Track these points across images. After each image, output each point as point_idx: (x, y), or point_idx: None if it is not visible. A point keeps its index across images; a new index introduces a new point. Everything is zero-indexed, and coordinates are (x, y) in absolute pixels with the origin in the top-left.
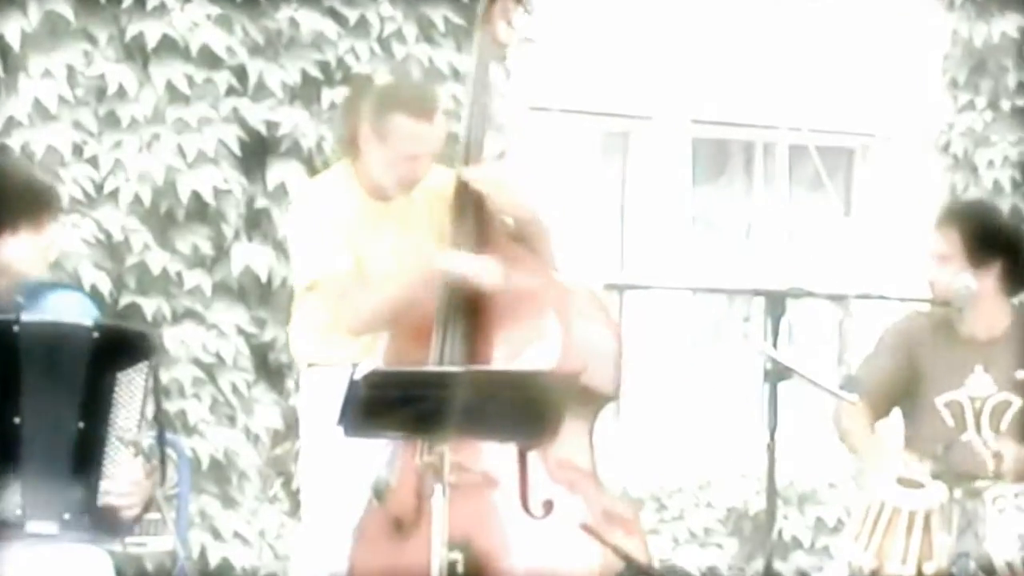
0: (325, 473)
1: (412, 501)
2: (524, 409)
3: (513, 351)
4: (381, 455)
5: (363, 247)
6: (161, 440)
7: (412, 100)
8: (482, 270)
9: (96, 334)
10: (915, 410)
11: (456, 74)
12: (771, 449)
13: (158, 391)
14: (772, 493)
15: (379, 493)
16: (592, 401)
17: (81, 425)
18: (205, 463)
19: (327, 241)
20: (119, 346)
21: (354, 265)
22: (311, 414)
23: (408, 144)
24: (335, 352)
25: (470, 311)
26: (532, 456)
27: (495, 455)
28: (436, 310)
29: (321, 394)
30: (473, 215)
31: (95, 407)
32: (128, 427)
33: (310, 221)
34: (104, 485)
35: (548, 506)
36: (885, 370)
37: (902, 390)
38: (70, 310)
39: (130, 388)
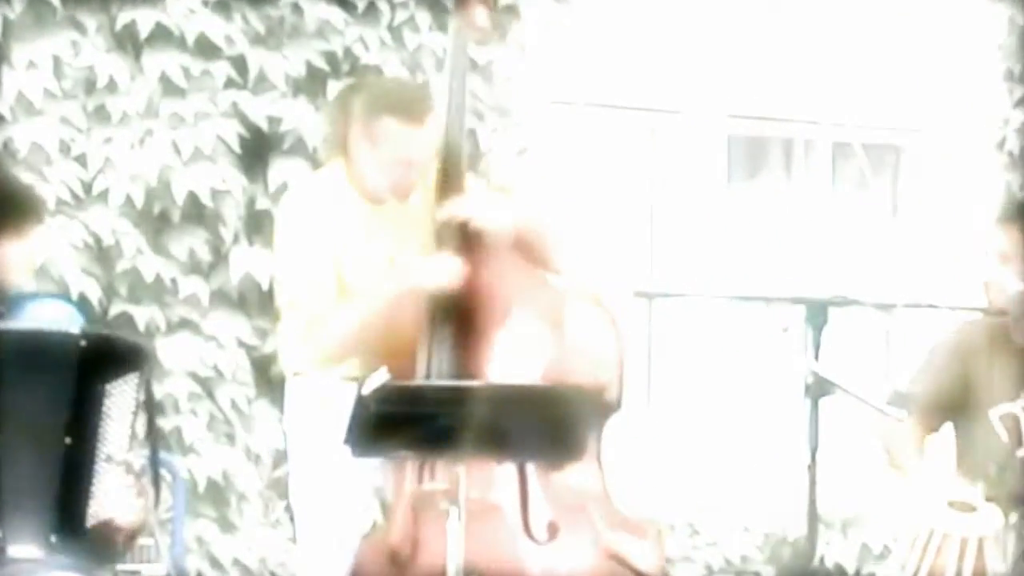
0: (314, 492)
1: (408, 530)
2: (548, 426)
3: (504, 360)
4: (373, 476)
5: (355, 254)
6: (154, 459)
7: (402, 102)
8: (440, 271)
9: (84, 343)
10: (968, 425)
11: (475, 65)
12: (812, 470)
13: (151, 406)
14: (813, 517)
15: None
16: (595, 412)
17: (68, 441)
18: (202, 485)
19: (310, 256)
20: (108, 356)
21: (335, 285)
22: (297, 427)
23: (398, 149)
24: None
25: (458, 320)
26: (532, 476)
27: (492, 478)
28: (424, 321)
29: (307, 406)
30: (458, 230)
31: (83, 422)
32: (118, 444)
33: (295, 230)
34: (93, 506)
35: (553, 529)
36: (936, 384)
37: (954, 404)
38: (55, 320)
39: (120, 402)
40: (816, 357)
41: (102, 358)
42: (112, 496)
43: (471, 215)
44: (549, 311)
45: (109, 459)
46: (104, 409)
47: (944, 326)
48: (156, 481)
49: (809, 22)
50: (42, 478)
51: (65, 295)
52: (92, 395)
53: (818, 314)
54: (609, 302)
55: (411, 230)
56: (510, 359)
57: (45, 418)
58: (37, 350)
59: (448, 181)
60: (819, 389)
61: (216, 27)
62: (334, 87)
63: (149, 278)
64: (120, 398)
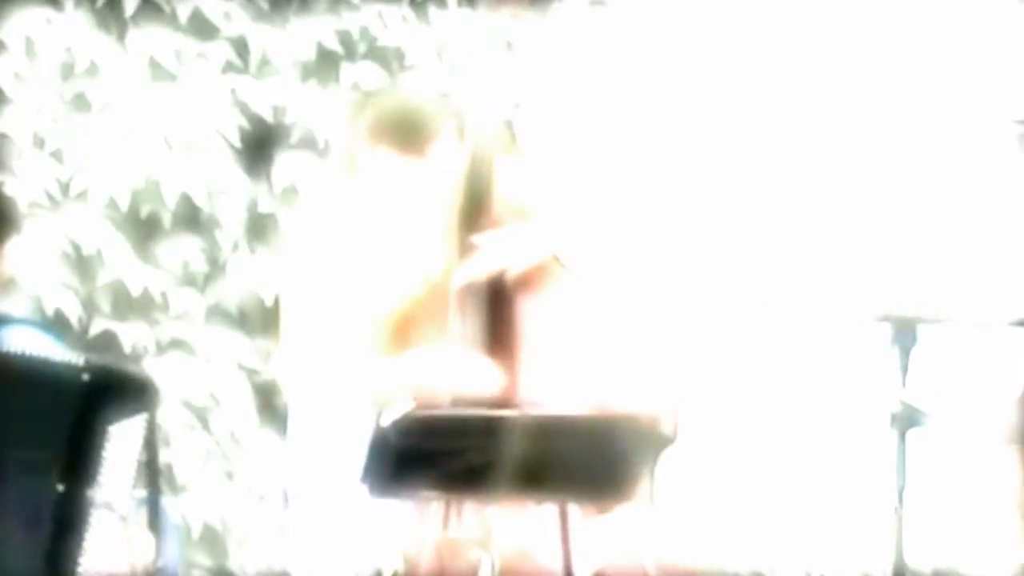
0: (318, 539)
1: None
2: (594, 462)
3: (545, 388)
4: (384, 524)
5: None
6: (154, 507)
7: (400, 127)
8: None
9: (87, 377)
10: None
11: (508, 46)
12: (899, 513)
13: (155, 450)
14: (901, 568)
15: None
16: (649, 445)
17: (61, 489)
18: (197, 530)
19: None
20: (115, 394)
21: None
22: (300, 461)
23: (391, 183)
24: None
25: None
26: (576, 520)
27: (529, 522)
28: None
29: (312, 435)
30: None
31: (79, 468)
32: (118, 492)
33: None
34: (84, 562)
35: None
36: None
37: None
38: (46, 349)
39: (124, 447)
40: (904, 383)
41: (107, 396)
42: (106, 549)
43: (492, 270)
44: (591, 331)
45: (106, 508)
46: (105, 454)
47: None
48: (156, 530)
49: None
50: (31, 529)
51: (38, 313)
52: (93, 439)
53: (906, 334)
54: (663, 321)
55: (432, 193)
56: (552, 386)
57: (36, 462)
58: (33, 382)
59: (471, 214)
60: (908, 420)
61: (212, 3)
62: (349, 72)
63: (136, 291)
64: (124, 442)
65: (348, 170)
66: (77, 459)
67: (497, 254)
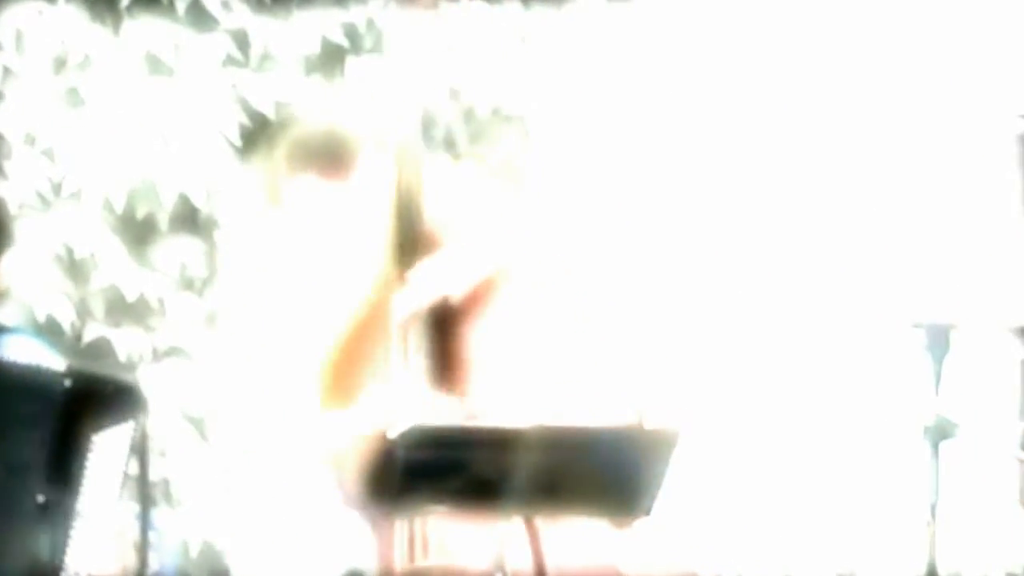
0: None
1: None
2: (615, 475)
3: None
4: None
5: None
6: (145, 521)
7: (319, 152)
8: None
9: (69, 384)
10: None
11: (525, 39)
12: (932, 527)
13: (145, 460)
14: None
15: None
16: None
17: (42, 500)
18: (195, 548)
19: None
20: (98, 401)
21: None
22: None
23: (313, 210)
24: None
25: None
26: (543, 534)
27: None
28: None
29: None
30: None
31: (62, 477)
32: (104, 505)
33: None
34: (69, 572)
35: None
36: None
37: None
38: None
39: (108, 455)
40: (937, 392)
41: (90, 403)
42: (94, 560)
43: (433, 299)
44: (545, 344)
45: (90, 521)
46: (89, 464)
47: None
48: (144, 547)
49: None
50: (11, 543)
51: (30, 320)
52: (75, 448)
53: (939, 341)
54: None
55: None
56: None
57: (15, 473)
58: (13, 389)
59: (405, 236)
60: (940, 431)
61: None
62: (355, 66)
63: (131, 297)
64: (108, 451)
65: (271, 201)
66: (59, 468)
67: (435, 282)
